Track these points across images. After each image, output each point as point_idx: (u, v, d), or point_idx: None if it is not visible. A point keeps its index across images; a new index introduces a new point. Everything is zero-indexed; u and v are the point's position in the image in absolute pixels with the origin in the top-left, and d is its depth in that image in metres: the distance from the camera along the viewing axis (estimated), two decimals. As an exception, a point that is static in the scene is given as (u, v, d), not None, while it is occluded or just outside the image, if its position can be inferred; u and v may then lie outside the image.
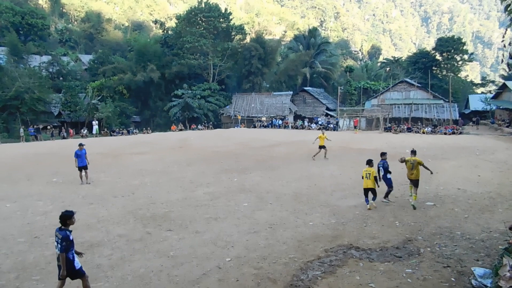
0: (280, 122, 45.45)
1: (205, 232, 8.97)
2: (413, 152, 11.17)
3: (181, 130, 43.67)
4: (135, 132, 42.25)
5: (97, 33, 75.87)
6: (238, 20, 73.50)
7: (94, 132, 39.98)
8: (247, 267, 7.07)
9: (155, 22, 78.82)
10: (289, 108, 49.01)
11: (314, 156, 19.28)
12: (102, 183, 14.72)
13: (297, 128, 43.31)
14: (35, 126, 36.74)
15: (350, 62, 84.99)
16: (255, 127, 45.26)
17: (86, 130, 39.93)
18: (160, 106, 50.15)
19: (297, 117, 50.16)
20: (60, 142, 31.76)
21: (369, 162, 10.81)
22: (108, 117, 42.91)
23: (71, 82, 48.35)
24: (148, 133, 41.52)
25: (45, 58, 52.38)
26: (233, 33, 56.12)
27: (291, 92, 52.62)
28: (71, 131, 39.79)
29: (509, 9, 9.04)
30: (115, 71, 50.23)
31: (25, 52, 50.00)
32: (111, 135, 39.32)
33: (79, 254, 5.93)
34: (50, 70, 50.80)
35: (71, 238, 5.58)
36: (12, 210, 11.24)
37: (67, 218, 5.66)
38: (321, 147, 19.32)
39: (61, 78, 51.01)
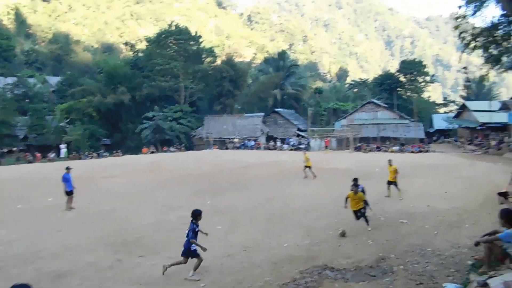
0: (253, 143, 45.67)
1: (178, 257, 8.76)
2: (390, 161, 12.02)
3: (152, 152, 42.99)
4: (106, 155, 41.23)
5: (66, 55, 74.56)
6: (209, 43, 74.26)
7: (62, 155, 38.75)
8: (221, 293, 6.95)
9: (125, 44, 78.36)
10: (261, 130, 49.41)
11: (314, 176, 19.61)
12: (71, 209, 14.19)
13: (269, 149, 43.61)
14: (-2, 150, 35.24)
15: (319, 83, 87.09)
16: (227, 148, 45.22)
17: (54, 154, 38.64)
18: (131, 128, 49.37)
19: (269, 138, 50.59)
20: (27, 167, 30.49)
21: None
22: (77, 140, 41.78)
23: (38, 104, 46.95)
24: (119, 156, 40.61)
25: (10, 80, 50.62)
26: (203, 56, 56.57)
27: (263, 114, 53.20)
28: (38, 154, 38.37)
29: (461, 36, 9.68)
30: (84, 93, 49.19)
31: (-11, 73, 48.33)
32: (80, 159, 38.18)
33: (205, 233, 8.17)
34: (16, 92, 49.08)
35: (196, 230, 7.82)
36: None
37: (197, 215, 7.90)
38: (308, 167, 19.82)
39: (27, 100, 49.35)
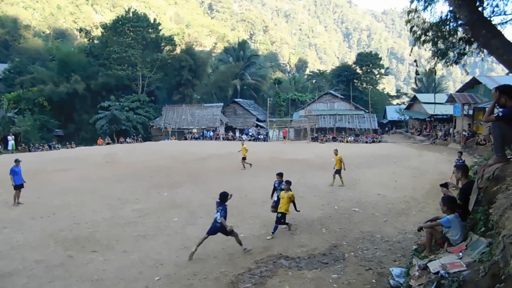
0: (212, 133, 45.44)
1: (133, 252, 8.65)
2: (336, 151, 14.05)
3: (108, 144, 41.66)
4: (58, 147, 39.47)
5: (14, 40, 69.94)
6: (168, 31, 72.40)
7: (9, 148, 36.65)
8: (177, 285, 6.93)
9: (80, 30, 74.53)
10: (220, 120, 49.23)
11: (243, 168, 19.89)
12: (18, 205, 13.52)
13: (228, 139, 43.58)
14: None
15: (278, 74, 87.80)
16: (186, 139, 44.72)
17: (0, 146, 36.49)
18: (86, 119, 47.48)
19: (228, 128, 50.52)
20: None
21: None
22: (27, 132, 39.68)
23: (-18, 93, 43.97)
24: (72, 147, 39.03)
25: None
26: (162, 44, 55.24)
27: (222, 104, 52.99)
28: (-18, 147, 36.10)
29: (412, 30, 10.12)
30: (34, 82, 46.64)
31: None
32: (29, 151, 36.31)
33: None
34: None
35: (227, 209, 8.37)
36: None
37: (225, 196, 8.37)
38: (244, 158, 20.25)
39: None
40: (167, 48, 55.70)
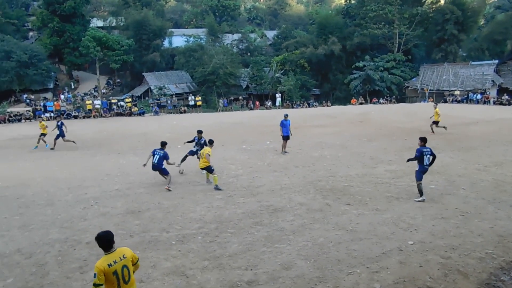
0: (479, 96, 39.12)
1: (386, 211, 8.57)
2: None
3: (361, 103, 42.52)
4: (315, 105, 43.29)
5: (281, 9, 79.30)
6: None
7: (277, 104, 42.82)
8: (432, 254, 6.47)
9: (338, -8, 77.69)
10: (492, 80, 41.58)
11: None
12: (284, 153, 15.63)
13: (501, 103, 36.47)
14: (227, 98, 41.84)
15: None
16: (445, 102, 40.29)
17: (270, 102, 43.09)
18: (340, 79, 49.70)
19: (502, 90, 42.09)
20: (248, 113, 35.22)
21: None
22: (290, 90, 45.05)
23: (257, 57, 52.25)
24: (327, 106, 41.97)
25: (236, 36, 58.00)
26: (423, -4, 50.33)
27: (496, 61, 44.24)
28: (257, 103, 43.65)
29: None
30: (297, 45, 51.90)
31: (220, 31, 55.98)
32: (292, 107, 41.37)
33: None
34: (240, 47, 56.22)
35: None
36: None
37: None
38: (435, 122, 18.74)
39: (248, 54, 55.93)
40: (430, 0, 50.44)
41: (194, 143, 13.04)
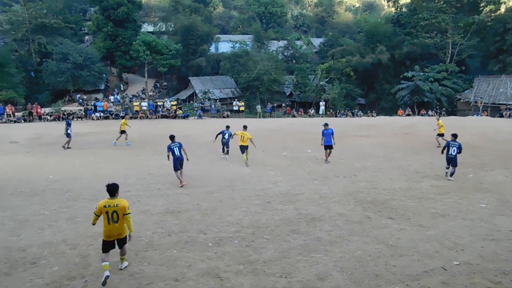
0: (540, 112, 36.50)
1: (430, 228, 8.18)
2: None
3: (408, 115, 41.05)
4: (360, 115, 42.39)
5: (328, 16, 78.65)
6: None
7: (320, 112, 42.34)
8: (479, 278, 6.08)
9: (387, 0, 75.75)
10: (557, 94, 38.74)
11: None
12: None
13: None
14: (270, 105, 41.99)
15: None
16: (501, 116, 37.94)
17: (313, 110, 42.71)
18: (387, 89, 48.31)
19: None
20: (290, 120, 35.07)
21: None
22: (334, 99, 44.40)
23: (302, 64, 52.10)
24: (372, 116, 40.95)
25: (282, 43, 58.22)
26: (482, 4, 47.84)
27: None
28: (301, 110, 43.40)
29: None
30: (343, 53, 51.20)
31: (266, 38, 56.57)
32: (335, 116, 40.75)
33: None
34: (285, 53, 56.37)
35: None
36: (251, 176, 13.12)
37: None
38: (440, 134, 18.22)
39: (293, 61, 55.93)
40: (488, 8, 47.72)
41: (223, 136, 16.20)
